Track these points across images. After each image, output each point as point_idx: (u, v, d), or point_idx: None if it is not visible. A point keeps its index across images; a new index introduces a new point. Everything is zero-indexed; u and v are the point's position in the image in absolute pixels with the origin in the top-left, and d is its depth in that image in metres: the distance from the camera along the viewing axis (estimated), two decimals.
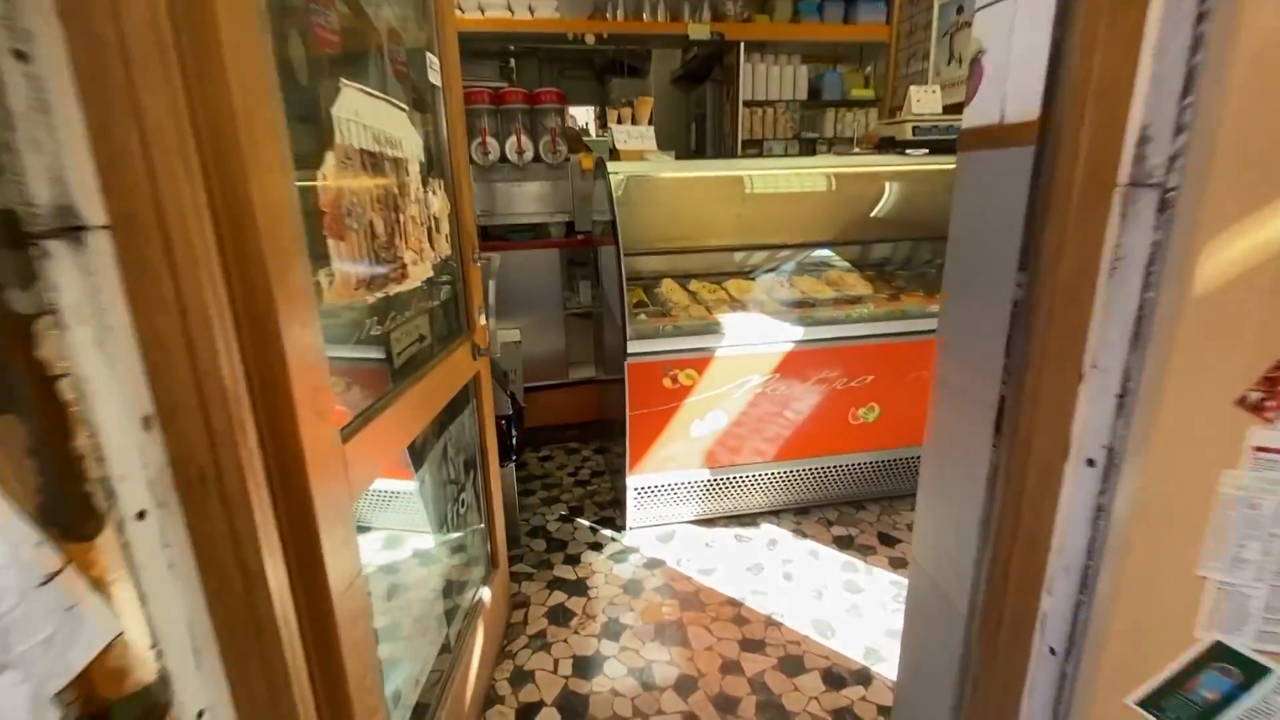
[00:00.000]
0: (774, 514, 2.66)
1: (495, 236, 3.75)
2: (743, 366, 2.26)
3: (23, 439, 0.49)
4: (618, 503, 2.73)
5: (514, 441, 2.35)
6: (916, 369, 2.43)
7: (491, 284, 1.62)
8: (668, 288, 2.99)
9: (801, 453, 2.51)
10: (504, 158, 3.47)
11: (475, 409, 1.79)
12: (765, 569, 2.30)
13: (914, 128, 2.52)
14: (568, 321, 3.74)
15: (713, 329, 2.27)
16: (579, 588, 2.23)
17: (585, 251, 3.75)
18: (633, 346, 2.18)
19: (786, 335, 2.28)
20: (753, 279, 3.12)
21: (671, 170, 2.47)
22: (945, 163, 2.72)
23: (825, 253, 3.30)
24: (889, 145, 2.65)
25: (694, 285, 3.06)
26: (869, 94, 4.34)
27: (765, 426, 2.40)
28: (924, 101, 2.61)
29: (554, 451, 3.39)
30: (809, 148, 4.69)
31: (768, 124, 4.29)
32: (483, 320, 1.69)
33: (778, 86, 4.26)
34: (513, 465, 2.34)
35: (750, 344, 2.26)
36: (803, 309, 2.42)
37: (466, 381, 1.68)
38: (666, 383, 2.22)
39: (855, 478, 2.63)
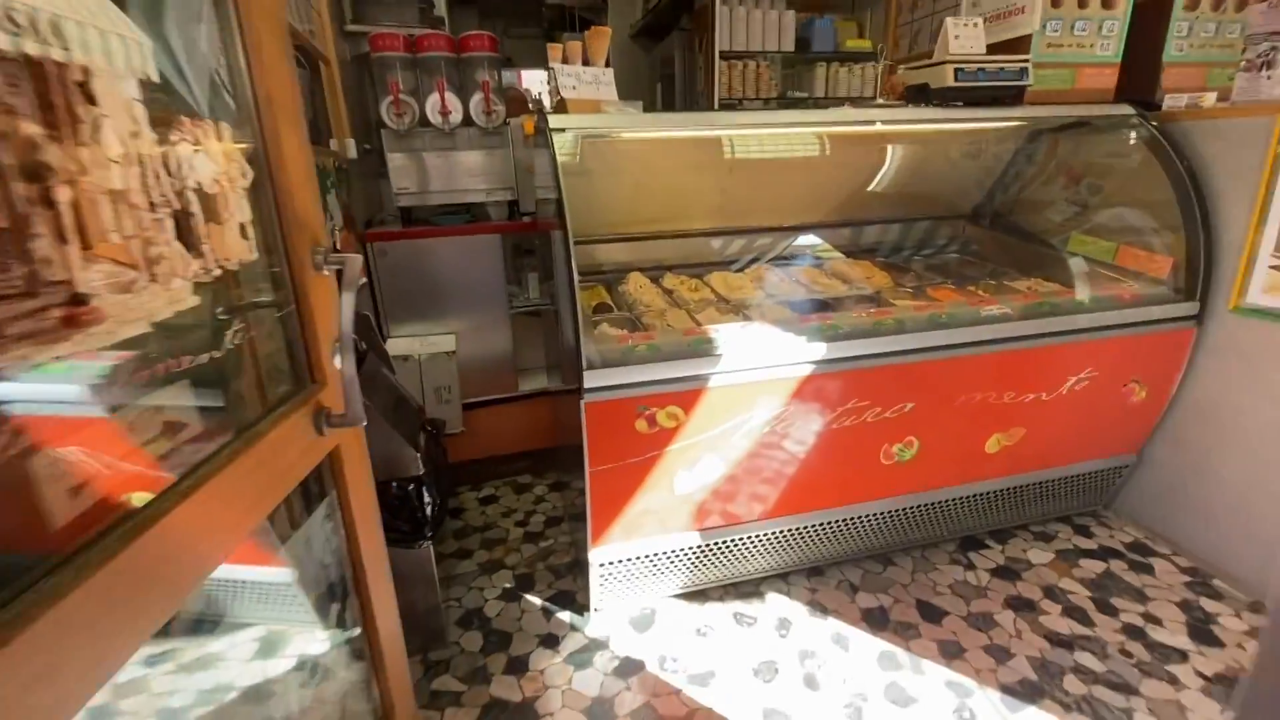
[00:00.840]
0: (781, 577, 2.06)
1: (420, 220, 3.02)
2: (745, 399, 1.64)
3: None
4: (579, 565, 2.10)
5: (432, 510, 1.68)
6: (967, 390, 1.84)
7: (347, 301, 0.95)
8: (636, 285, 2.34)
9: (818, 503, 1.91)
10: (425, 120, 2.74)
11: (336, 505, 1.11)
12: (780, 669, 1.71)
13: (956, 70, 1.92)
14: (515, 322, 3.07)
15: (702, 348, 1.63)
16: (526, 716, 1.60)
17: (532, 237, 3.06)
18: (593, 379, 1.52)
19: (802, 354, 1.66)
20: (742, 272, 2.48)
21: (638, 128, 1.81)
22: (986, 119, 2.11)
23: (815, 239, 2.68)
24: (918, 96, 2.05)
25: (669, 281, 2.41)
26: (865, 45, 3.71)
27: (773, 474, 1.79)
28: (964, 38, 2.01)
29: (500, 489, 2.73)
30: (793, 108, 4.05)
31: (747, 80, 3.62)
32: (337, 362, 1.01)
33: (759, 36, 3.59)
34: (428, 544, 1.67)
35: (754, 368, 1.63)
36: (821, 316, 1.79)
37: (311, 470, 1.01)
38: (641, 426, 1.58)
39: (883, 527, 2.04)
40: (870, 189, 2.62)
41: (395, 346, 2.90)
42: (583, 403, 1.51)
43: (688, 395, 1.59)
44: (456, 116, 2.74)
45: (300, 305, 1.00)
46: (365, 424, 1.03)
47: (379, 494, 1.64)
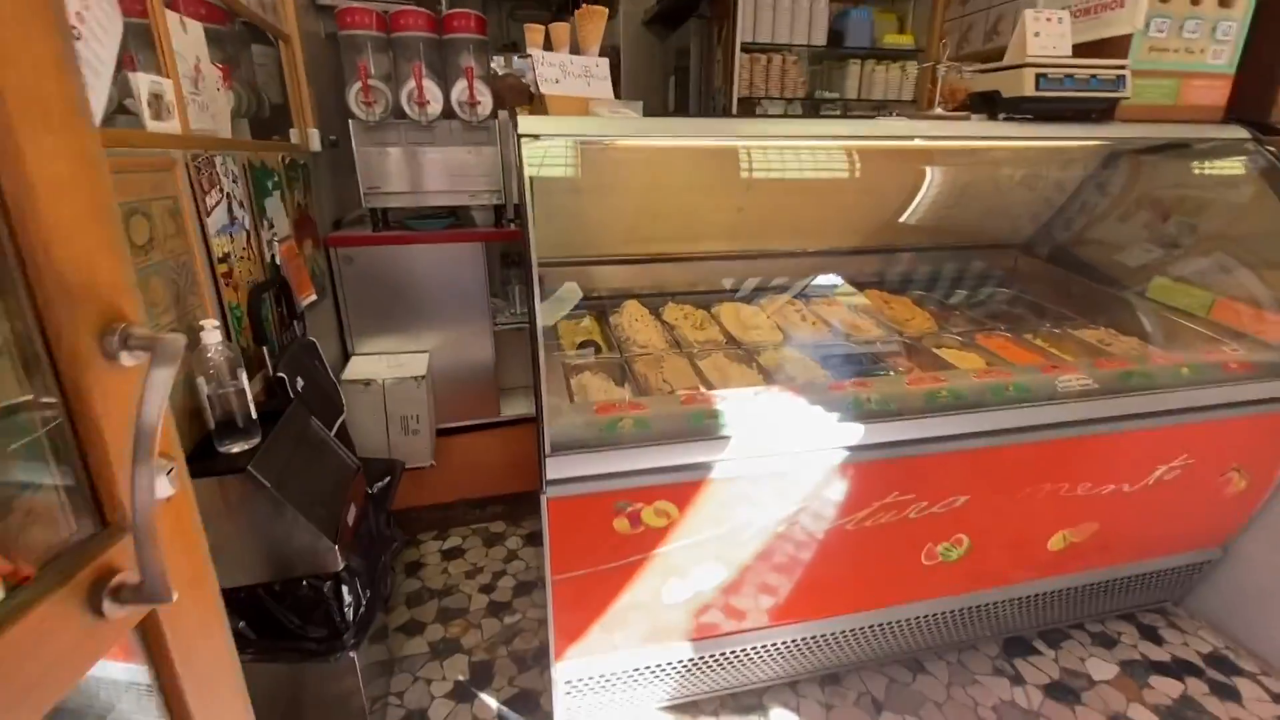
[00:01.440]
0: (789, 686, 1.71)
1: (394, 224, 2.66)
2: (757, 493, 1.28)
3: None
4: (548, 658, 1.75)
5: (356, 610, 1.33)
6: (1035, 481, 1.48)
7: (154, 396, 0.59)
8: (631, 317, 1.97)
9: (840, 607, 1.55)
10: (399, 111, 2.38)
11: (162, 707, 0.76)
12: None
13: (1038, 77, 1.53)
14: (500, 339, 2.72)
15: (705, 426, 1.26)
16: None
17: (520, 244, 2.70)
18: (559, 467, 1.16)
19: (834, 438, 1.29)
20: (757, 305, 2.11)
21: (636, 135, 1.44)
22: (1068, 137, 1.72)
23: (843, 269, 2.31)
24: (985, 106, 1.67)
25: (671, 313, 2.04)
26: (905, 41, 3.30)
27: (787, 578, 1.43)
28: (1046, 36, 1.63)
29: (468, 539, 2.38)
30: (816, 110, 3.66)
31: (771, 77, 3.23)
32: (162, 483, 0.66)
33: (787, 27, 3.19)
34: (351, 655, 1.32)
35: (772, 454, 1.26)
36: (857, 385, 1.42)
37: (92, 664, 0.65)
38: (621, 525, 1.22)
39: (916, 630, 1.68)
40: (910, 212, 2.24)
41: (358, 368, 2.55)
42: (544, 498, 1.16)
43: (684, 488, 1.23)
44: (436, 107, 2.37)
45: (75, 414, 0.64)
46: (170, 599, 0.67)
47: (283, 593, 1.31)
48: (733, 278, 2.19)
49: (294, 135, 2.35)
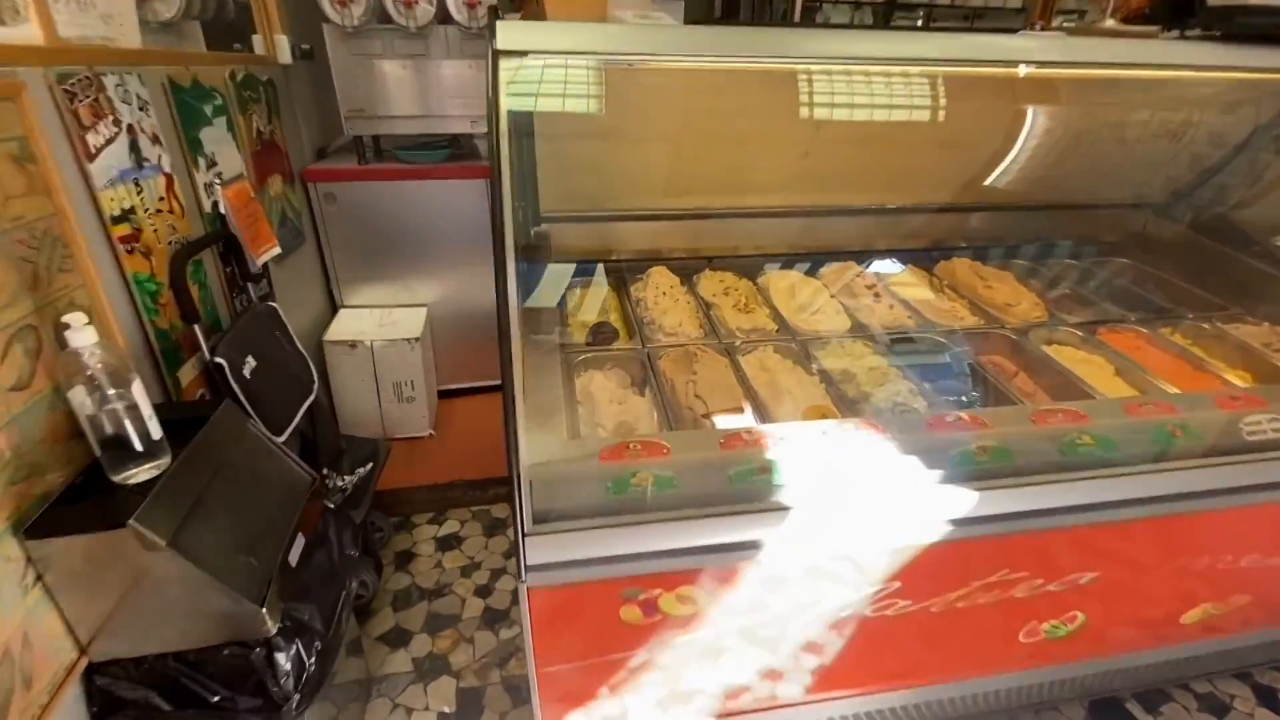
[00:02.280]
0: None
1: (385, 155, 2.26)
2: (820, 579, 0.94)
3: None
4: None
5: (297, 676, 1.06)
6: (1191, 554, 1.10)
7: None
8: (657, 288, 1.58)
9: (903, 681, 1.24)
10: (384, 15, 1.93)
11: None
12: None
13: None
14: None
15: (751, 484, 0.91)
16: None
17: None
18: (542, 551, 0.82)
19: (937, 505, 0.93)
20: (816, 275, 1.69)
21: (667, 51, 1.00)
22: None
23: (925, 231, 1.85)
24: (1180, 16, 1.15)
25: (707, 285, 1.64)
26: None
27: (843, 658, 1.11)
28: None
29: (466, 525, 2.12)
30: (889, 19, 3.04)
31: None
32: None
33: None
34: None
35: (846, 529, 0.91)
36: (964, 425, 1.03)
37: None
38: (630, 615, 0.90)
39: (993, 699, 1.37)
40: (1013, 161, 1.75)
41: (344, 326, 2.23)
42: (522, 586, 0.83)
43: (718, 573, 0.89)
44: (427, 9, 1.91)
45: None
46: None
47: (200, 661, 1.04)
48: (786, 241, 1.76)
49: (257, 44, 1.93)
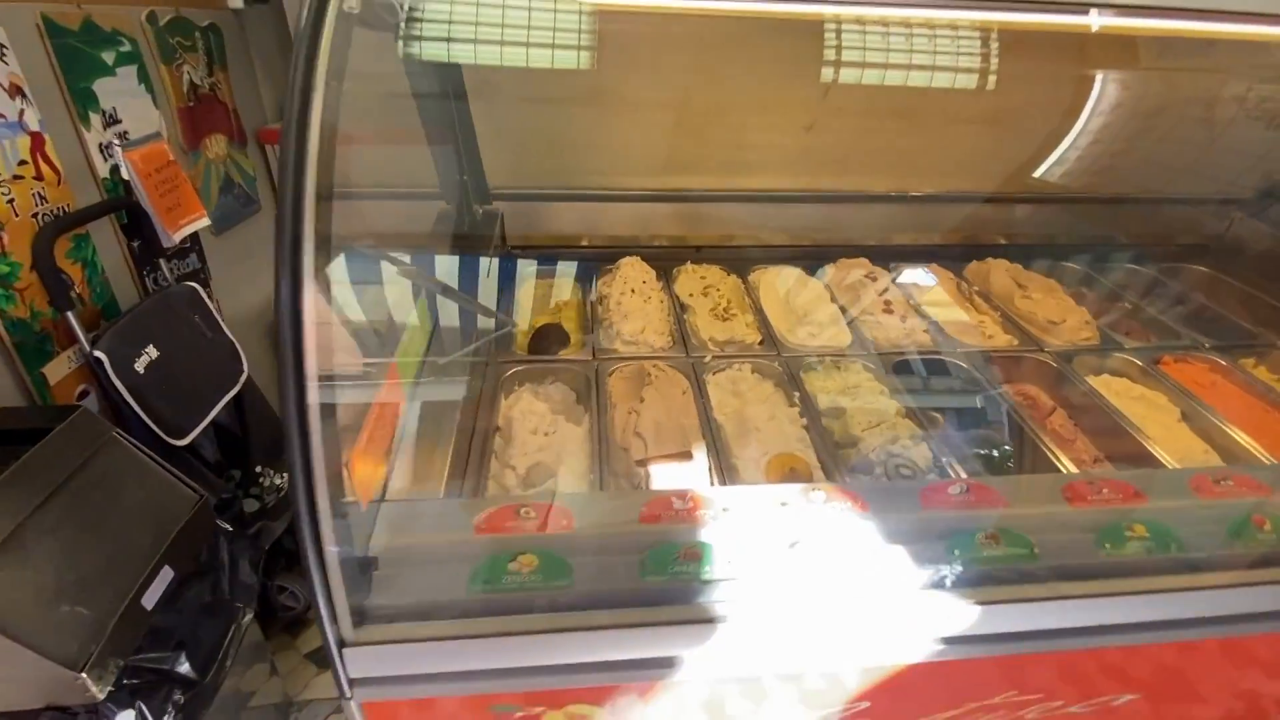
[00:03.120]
0: None
1: None
2: (767, 702, 0.71)
3: None
4: None
5: None
6: (1251, 678, 0.84)
7: None
8: (625, 284, 1.34)
9: None
10: None
11: None
12: None
13: None
14: None
15: (676, 575, 0.68)
16: None
17: None
18: (369, 662, 0.62)
19: (929, 618, 0.69)
20: (819, 275, 1.43)
21: None
22: None
23: (957, 226, 1.55)
24: None
25: (685, 283, 1.39)
26: None
27: None
28: None
29: None
30: None
31: None
32: None
33: None
34: None
35: (805, 646, 0.68)
36: (979, 505, 0.78)
37: None
38: None
39: None
40: (1074, 143, 1.44)
41: None
42: (351, 704, 0.63)
43: (626, 690, 0.67)
44: None
45: None
46: None
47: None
48: (789, 231, 1.49)
49: None
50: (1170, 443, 1.03)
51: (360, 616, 0.62)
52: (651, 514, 0.72)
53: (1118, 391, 1.17)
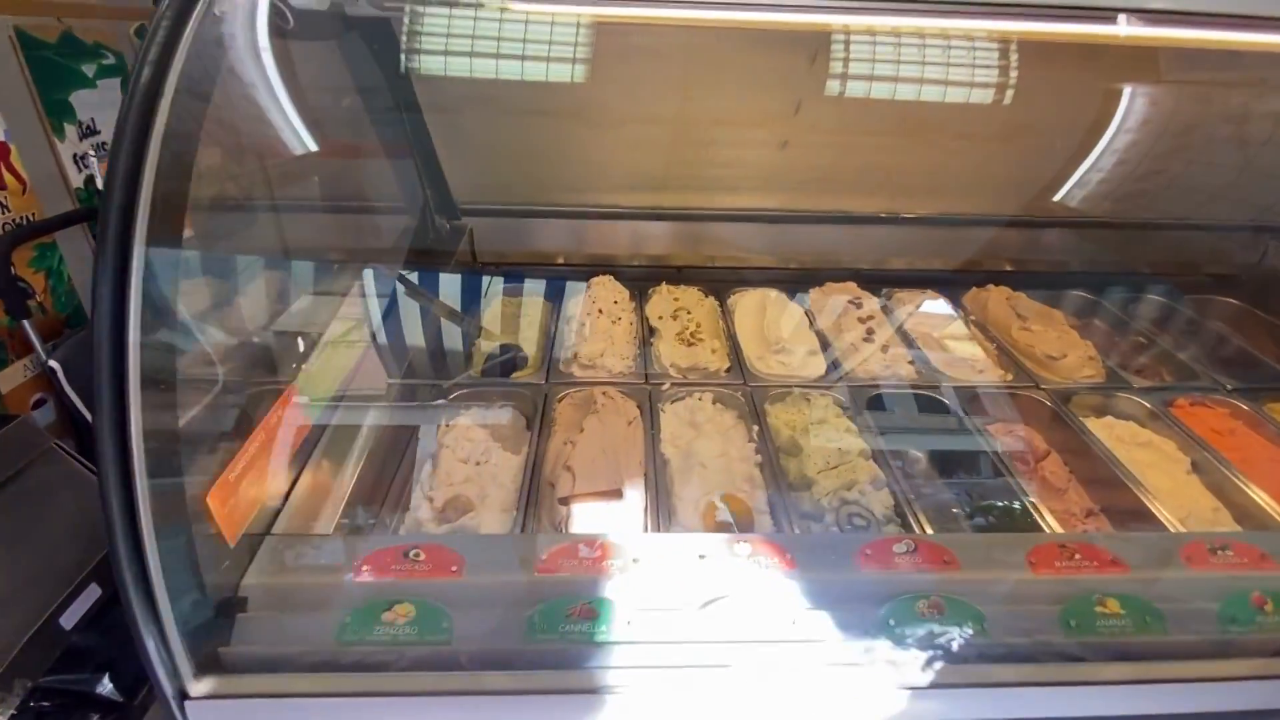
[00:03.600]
0: None
1: None
2: None
3: None
4: None
5: None
6: None
7: None
8: (595, 300, 1.29)
9: None
10: None
11: None
12: None
13: None
14: None
15: (568, 635, 0.62)
16: None
17: None
18: (212, 716, 0.57)
19: (861, 693, 0.60)
20: (803, 299, 1.34)
21: None
22: None
23: (950, 249, 1.45)
24: None
25: (658, 303, 1.32)
26: None
27: None
28: None
29: None
30: None
31: None
32: None
33: None
34: None
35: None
36: (924, 566, 0.69)
37: None
38: None
39: None
40: (1092, 162, 1.33)
41: None
42: None
43: None
44: None
45: None
46: None
47: None
48: (775, 254, 1.42)
49: None
50: (1175, 497, 0.92)
51: (213, 665, 0.57)
52: (550, 563, 0.66)
53: (1121, 436, 1.05)
